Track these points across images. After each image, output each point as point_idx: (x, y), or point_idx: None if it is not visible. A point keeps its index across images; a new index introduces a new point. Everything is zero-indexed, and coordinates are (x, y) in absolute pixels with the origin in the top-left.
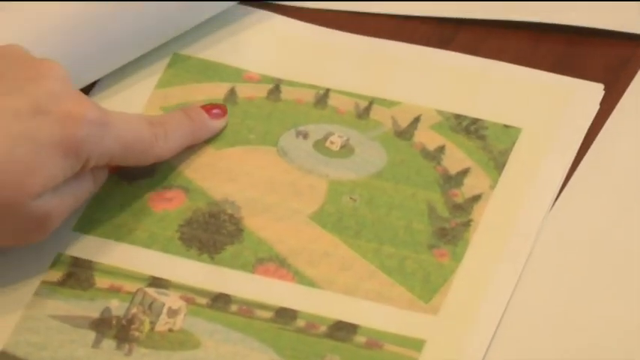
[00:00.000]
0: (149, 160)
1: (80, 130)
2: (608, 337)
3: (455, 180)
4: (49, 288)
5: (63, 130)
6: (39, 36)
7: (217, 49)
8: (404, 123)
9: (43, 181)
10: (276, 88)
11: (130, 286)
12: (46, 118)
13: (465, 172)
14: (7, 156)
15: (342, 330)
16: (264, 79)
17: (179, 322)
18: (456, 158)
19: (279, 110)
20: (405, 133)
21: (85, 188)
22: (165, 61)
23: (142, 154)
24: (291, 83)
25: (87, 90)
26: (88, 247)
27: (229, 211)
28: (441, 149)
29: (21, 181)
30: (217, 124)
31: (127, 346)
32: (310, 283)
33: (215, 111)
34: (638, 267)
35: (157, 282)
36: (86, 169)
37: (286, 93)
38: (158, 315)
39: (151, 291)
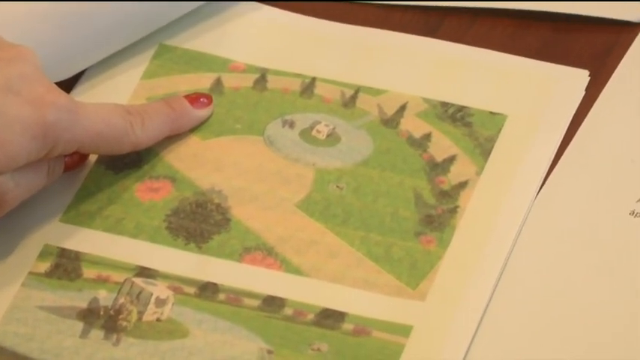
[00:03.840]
0: (125, 148)
1: (50, 113)
2: (594, 320)
3: (441, 167)
4: (36, 279)
5: (33, 112)
6: (24, 25)
7: (203, 40)
8: (390, 111)
9: (7, 158)
10: (262, 77)
11: (117, 276)
12: (17, 98)
13: (451, 159)
14: None
15: (330, 317)
16: (249, 68)
17: (167, 311)
18: (442, 145)
19: (266, 100)
20: (391, 121)
21: (39, 181)
22: (151, 52)
23: (116, 142)
24: (277, 72)
25: (73, 80)
26: (74, 238)
27: (216, 201)
28: (427, 137)
29: None
30: (201, 113)
31: (114, 336)
32: (297, 271)
33: (201, 100)
34: (624, 252)
35: (144, 272)
36: (50, 156)
37: (272, 82)
38: (146, 305)
39: (139, 281)
